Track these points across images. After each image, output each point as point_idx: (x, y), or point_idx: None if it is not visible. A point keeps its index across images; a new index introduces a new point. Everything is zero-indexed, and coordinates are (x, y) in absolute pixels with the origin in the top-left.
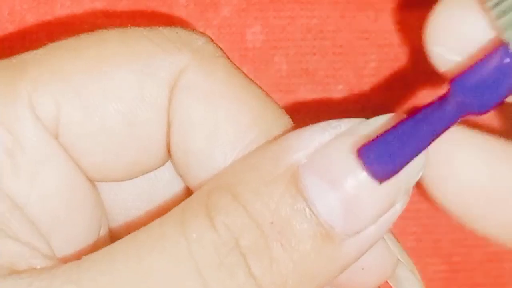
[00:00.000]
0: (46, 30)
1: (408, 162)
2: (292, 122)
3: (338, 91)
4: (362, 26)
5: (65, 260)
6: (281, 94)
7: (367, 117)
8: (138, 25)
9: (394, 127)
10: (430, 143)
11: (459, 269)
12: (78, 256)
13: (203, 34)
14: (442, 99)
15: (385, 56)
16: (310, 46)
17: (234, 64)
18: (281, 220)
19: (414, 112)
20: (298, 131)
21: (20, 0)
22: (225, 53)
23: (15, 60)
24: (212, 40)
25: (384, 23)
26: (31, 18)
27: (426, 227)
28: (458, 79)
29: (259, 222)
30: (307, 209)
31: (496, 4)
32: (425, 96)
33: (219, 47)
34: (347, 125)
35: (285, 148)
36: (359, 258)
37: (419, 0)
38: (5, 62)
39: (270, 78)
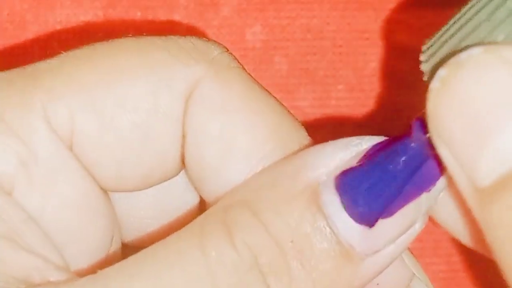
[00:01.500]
0: (46, 30)
1: (390, 202)
2: (308, 136)
3: (338, 91)
4: (362, 26)
5: (79, 272)
6: (281, 94)
7: (367, 117)
8: (138, 25)
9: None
10: (406, 181)
11: (459, 269)
12: (92, 268)
13: (218, 44)
14: (407, 137)
15: (385, 56)
16: (310, 46)
17: (250, 75)
18: (301, 239)
19: (382, 148)
20: (318, 147)
21: (20, 0)
22: (240, 64)
23: (30, 69)
24: (228, 50)
25: (384, 23)
26: (31, 18)
27: (426, 227)
28: (417, 119)
29: (279, 240)
30: (327, 228)
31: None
32: (425, 96)
33: (235, 57)
34: (368, 143)
35: (305, 165)
36: (376, 276)
37: (419, 0)
38: (19, 71)
39: (270, 78)
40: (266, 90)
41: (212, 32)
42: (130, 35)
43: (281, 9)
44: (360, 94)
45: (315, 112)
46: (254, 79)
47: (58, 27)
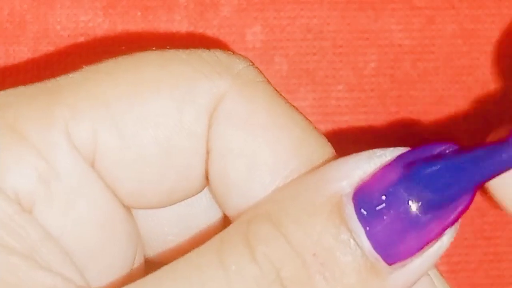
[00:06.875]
0: (46, 30)
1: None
2: (334, 151)
3: (338, 91)
4: (362, 26)
5: None
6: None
7: (367, 117)
8: (138, 25)
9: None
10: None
11: (459, 269)
12: (113, 286)
13: (243, 57)
14: (500, 144)
15: (385, 56)
16: (310, 46)
17: (275, 89)
18: (324, 251)
19: (465, 149)
20: (341, 159)
21: (20, 0)
22: (265, 77)
23: (51, 84)
24: (253, 64)
25: (384, 23)
26: (31, 18)
27: None
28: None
29: (301, 253)
30: (351, 240)
31: None
32: (425, 96)
33: (260, 70)
34: (392, 154)
35: (328, 177)
36: None
37: (419, 1)
38: (40, 86)
39: (270, 78)
40: (292, 105)
41: (212, 32)
42: (131, 36)
43: (281, 9)
44: (360, 94)
45: (315, 112)
46: (280, 93)
47: (58, 27)
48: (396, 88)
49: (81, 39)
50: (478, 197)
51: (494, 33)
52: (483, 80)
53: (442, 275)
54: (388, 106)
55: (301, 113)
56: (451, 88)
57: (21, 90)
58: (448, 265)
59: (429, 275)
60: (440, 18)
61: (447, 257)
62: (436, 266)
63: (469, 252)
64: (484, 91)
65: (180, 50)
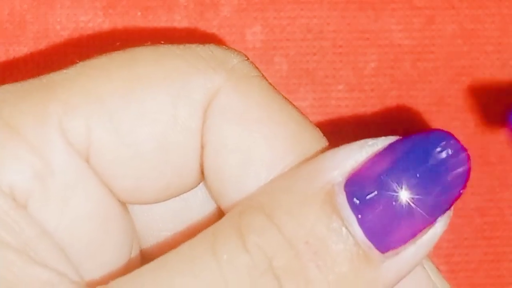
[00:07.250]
0: (46, 30)
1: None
2: (328, 144)
3: (338, 91)
4: (362, 26)
5: (94, 285)
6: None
7: (367, 117)
8: (138, 25)
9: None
10: None
11: (459, 269)
12: (107, 280)
13: (238, 52)
14: None
15: (385, 56)
16: (310, 46)
17: (270, 83)
18: (317, 240)
19: None
20: (333, 150)
21: (20, 0)
22: (260, 72)
23: (45, 80)
24: (248, 59)
25: (384, 23)
26: (31, 18)
27: None
28: None
29: (293, 242)
30: (343, 229)
31: None
32: (425, 96)
33: (255, 65)
34: (384, 143)
35: (320, 167)
36: (398, 282)
37: (419, 1)
38: (35, 82)
39: (270, 78)
40: (286, 98)
41: (212, 32)
42: (131, 36)
43: (281, 9)
44: (360, 94)
45: (315, 112)
46: (275, 88)
47: (58, 27)
48: (396, 88)
49: (81, 39)
50: (478, 197)
51: (494, 33)
52: (483, 80)
53: (442, 275)
54: (388, 106)
55: (296, 107)
56: (451, 88)
57: (15, 86)
58: (448, 265)
59: (424, 268)
60: (440, 18)
61: (447, 257)
62: (436, 266)
63: (469, 252)
64: (484, 91)
65: (175, 45)
